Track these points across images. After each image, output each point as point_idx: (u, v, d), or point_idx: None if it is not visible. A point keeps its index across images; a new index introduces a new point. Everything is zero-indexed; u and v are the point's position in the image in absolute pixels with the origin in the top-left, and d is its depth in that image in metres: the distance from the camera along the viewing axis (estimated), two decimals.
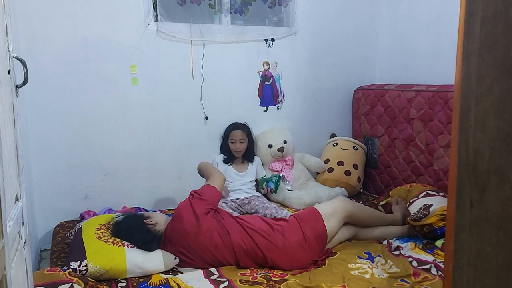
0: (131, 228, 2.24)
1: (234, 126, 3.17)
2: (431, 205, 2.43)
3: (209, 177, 2.53)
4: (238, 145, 3.11)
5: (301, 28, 3.42)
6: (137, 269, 2.08)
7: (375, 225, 2.54)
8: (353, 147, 3.44)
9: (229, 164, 3.15)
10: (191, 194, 2.35)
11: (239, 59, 3.27)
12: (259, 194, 3.11)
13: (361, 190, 3.46)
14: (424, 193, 2.60)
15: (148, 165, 3.10)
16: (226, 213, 2.38)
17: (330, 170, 3.33)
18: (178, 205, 2.34)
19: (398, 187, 2.94)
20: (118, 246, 2.15)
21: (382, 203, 2.87)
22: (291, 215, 2.46)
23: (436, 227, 2.35)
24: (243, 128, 3.16)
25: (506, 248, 0.84)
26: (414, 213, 2.44)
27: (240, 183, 3.11)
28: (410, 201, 2.59)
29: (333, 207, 2.41)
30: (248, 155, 3.19)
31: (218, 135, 3.27)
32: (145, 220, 2.28)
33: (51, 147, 2.83)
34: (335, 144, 3.50)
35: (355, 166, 3.35)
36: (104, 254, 2.08)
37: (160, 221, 2.30)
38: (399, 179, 3.23)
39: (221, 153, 3.23)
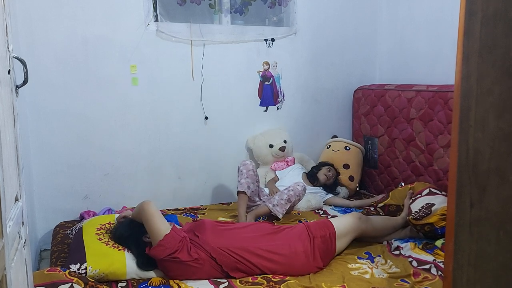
0: (129, 244, 2.15)
1: (327, 163, 3.31)
2: (433, 204, 2.42)
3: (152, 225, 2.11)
4: (328, 176, 3.21)
5: (301, 28, 3.42)
6: (137, 274, 2.07)
7: (386, 236, 2.51)
8: (345, 147, 3.45)
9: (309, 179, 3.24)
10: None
11: (239, 59, 3.27)
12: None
13: (358, 189, 3.45)
14: (428, 190, 2.58)
15: (148, 165, 3.10)
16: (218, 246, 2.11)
17: None
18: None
19: (399, 188, 2.93)
20: (118, 250, 2.13)
21: (380, 205, 2.87)
22: (303, 224, 2.38)
23: (437, 227, 2.35)
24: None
25: (506, 248, 0.84)
26: (415, 212, 2.44)
27: (290, 181, 3.11)
28: (413, 199, 2.59)
29: (348, 228, 2.33)
30: (331, 188, 3.25)
31: (218, 135, 3.27)
32: (143, 237, 2.13)
33: (51, 147, 2.83)
34: (328, 147, 3.54)
35: (346, 166, 3.38)
36: (104, 257, 2.07)
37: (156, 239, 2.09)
38: (399, 179, 3.23)
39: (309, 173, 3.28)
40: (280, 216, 2.68)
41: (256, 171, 2.84)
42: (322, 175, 3.19)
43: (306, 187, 2.87)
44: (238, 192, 2.73)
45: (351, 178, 3.38)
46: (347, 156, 3.42)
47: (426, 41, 3.20)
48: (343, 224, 2.35)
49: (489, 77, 0.84)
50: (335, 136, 3.65)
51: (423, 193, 2.57)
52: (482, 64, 0.85)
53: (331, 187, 3.23)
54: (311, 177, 3.22)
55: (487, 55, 0.84)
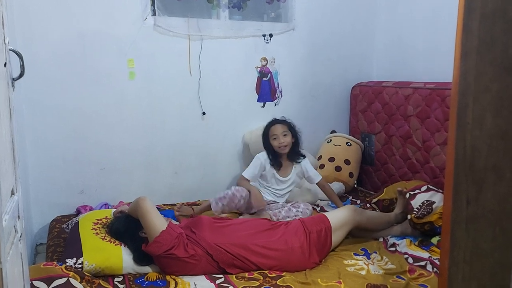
0: (125, 239, 2.16)
1: (272, 122, 2.92)
2: (434, 202, 2.42)
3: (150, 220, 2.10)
4: (281, 139, 2.81)
5: (299, 24, 3.41)
6: (133, 269, 2.07)
7: (380, 230, 2.53)
8: (347, 143, 3.44)
9: (275, 168, 2.87)
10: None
11: (237, 54, 3.25)
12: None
13: (355, 186, 3.46)
14: (426, 187, 2.58)
15: (144, 160, 3.10)
16: (213, 242, 2.11)
17: (322, 166, 3.35)
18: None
19: (394, 184, 2.94)
20: (115, 245, 2.13)
21: (374, 200, 2.87)
22: (299, 219, 2.38)
23: (437, 226, 2.35)
24: (283, 122, 2.91)
25: (502, 245, 0.85)
26: (417, 208, 2.43)
27: (279, 190, 2.92)
28: (412, 193, 2.57)
29: (343, 220, 2.35)
30: (292, 155, 2.89)
31: (216, 131, 3.27)
32: (140, 233, 2.13)
33: (47, 141, 2.82)
34: (329, 141, 3.52)
35: (347, 162, 3.36)
36: (100, 252, 2.07)
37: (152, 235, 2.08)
38: (395, 176, 3.24)
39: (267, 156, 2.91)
40: None
41: (242, 203, 2.71)
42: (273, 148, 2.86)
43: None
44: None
45: (350, 175, 3.37)
46: (348, 152, 3.40)
47: (424, 38, 3.19)
48: (338, 217, 2.37)
49: (487, 74, 0.84)
50: (334, 131, 3.64)
51: (422, 189, 2.56)
52: (480, 61, 0.85)
53: (291, 156, 2.89)
54: (274, 160, 2.86)
55: (486, 52, 0.84)
